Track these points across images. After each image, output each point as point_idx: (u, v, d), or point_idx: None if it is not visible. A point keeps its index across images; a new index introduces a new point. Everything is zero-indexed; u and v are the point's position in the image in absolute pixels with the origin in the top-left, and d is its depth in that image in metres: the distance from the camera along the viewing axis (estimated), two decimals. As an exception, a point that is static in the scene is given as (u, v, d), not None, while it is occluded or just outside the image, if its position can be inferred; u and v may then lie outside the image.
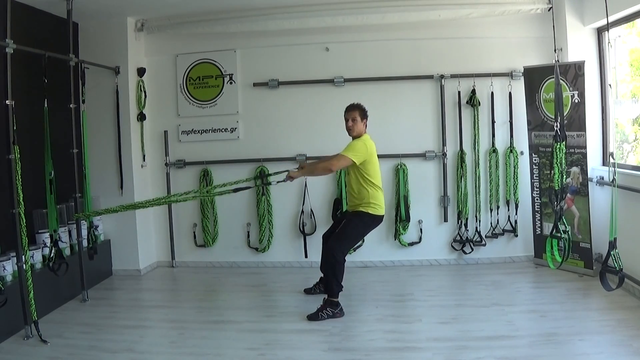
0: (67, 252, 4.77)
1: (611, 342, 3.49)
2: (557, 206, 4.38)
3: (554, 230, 4.40)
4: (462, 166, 5.43)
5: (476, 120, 5.42)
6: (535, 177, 5.30)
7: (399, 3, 5.21)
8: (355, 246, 5.52)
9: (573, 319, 3.90)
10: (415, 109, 5.51)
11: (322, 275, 4.62)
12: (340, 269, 4.20)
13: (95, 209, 5.02)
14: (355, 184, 4.30)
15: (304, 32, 5.44)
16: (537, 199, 5.30)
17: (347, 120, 4.38)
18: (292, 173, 4.33)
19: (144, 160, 5.70)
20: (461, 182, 5.44)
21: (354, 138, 4.36)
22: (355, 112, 4.36)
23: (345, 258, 4.29)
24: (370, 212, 4.28)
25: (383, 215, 4.40)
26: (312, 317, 4.14)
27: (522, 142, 5.41)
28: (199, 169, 5.73)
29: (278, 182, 4.45)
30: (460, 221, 5.47)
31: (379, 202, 4.32)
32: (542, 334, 3.66)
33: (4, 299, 3.72)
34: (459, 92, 5.43)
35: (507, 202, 5.46)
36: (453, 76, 5.41)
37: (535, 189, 5.30)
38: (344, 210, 5.44)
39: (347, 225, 4.33)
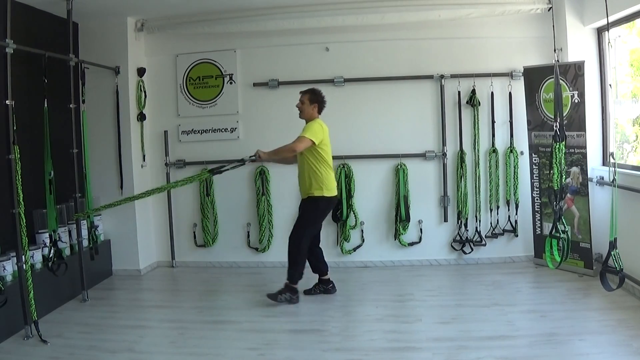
0: (67, 252, 4.78)
1: (611, 342, 3.49)
2: (556, 206, 4.38)
3: (553, 230, 4.39)
4: (462, 166, 5.43)
5: (476, 120, 5.42)
6: (535, 177, 5.30)
7: (399, 3, 5.21)
8: (355, 246, 5.54)
9: (573, 319, 3.90)
10: (415, 109, 5.51)
11: (318, 276, 4.72)
12: (302, 258, 4.41)
13: (94, 207, 4.99)
14: (310, 166, 4.41)
15: (304, 32, 5.44)
16: (537, 199, 5.30)
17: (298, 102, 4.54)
18: (261, 152, 4.43)
19: (144, 160, 5.70)
20: (461, 182, 5.44)
21: (304, 119, 4.51)
22: (305, 96, 4.52)
23: (306, 247, 4.48)
24: (325, 194, 4.42)
25: (337, 196, 4.57)
26: (272, 297, 4.39)
27: (522, 142, 5.41)
28: (199, 169, 5.69)
29: (250, 157, 4.49)
30: (460, 221, 5.47)
31: (332, 184, 4.50)
32: (542, 334, 3.66)
33: (4, 299, 3.72)
34: (459, 92, 5.43)
35: (507, 202, 5.46)
36: (453, 76, 5.41)
37: (535, 189, 5.30)
38: (344, 209, 5.45)
39: (304, 214, 4.49)
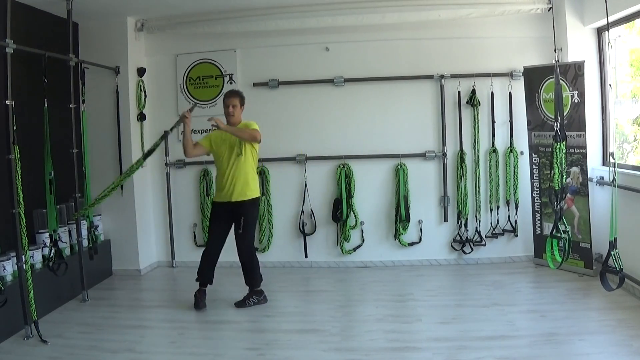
0: (67, 252, 4.77)
1: (611, 342, 3.49)
2: (557, 206, 4.38)
3: (554, 230, 4.39)
4: (462, 166, 5.43)
5: (476, 120, 5.42)
6: (535, 177, 5.30)
7: (399, 3, 5.21)
8: (355, 246, 5.54)
9: (573, 319, 3.90)
10: (415, 109, 5.51)
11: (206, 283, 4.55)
12: (257, 262, 4.53)
13: (87, 205, 4.78)
14: (249, 166, 4.40)
15: (304, 32, 5.44)
16: (537, 199, 5.30)
17: (227, 106, 4.43)
18: (219, 122, 4.22)
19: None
20: (461, 182, 5.44)
21: (233, 124, 4.40)
22: (237, 99, 4.44)
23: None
24: (258, 194, 4.53)
25: None
26: (240, 304, 4.44)
27: (522, 142, 5.41)
28: (199, 169, 5.73)
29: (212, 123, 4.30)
30: (460, 221, 5.47)
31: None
32: (542, 334, 3.66)
33: (4, 299, 3.72)
34: (459, 92, 5.43)
35: (507, 202, 5.46)
36: (453, 76, 5.40)
37: (535, 189, 5.30)
38: (344, 209, 5.44)
39: (248, 219, 4.40)
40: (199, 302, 4.42)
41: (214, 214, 4.52)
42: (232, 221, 4.42)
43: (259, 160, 5.50)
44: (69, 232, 4.89)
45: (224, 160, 4.39)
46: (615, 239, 3.76)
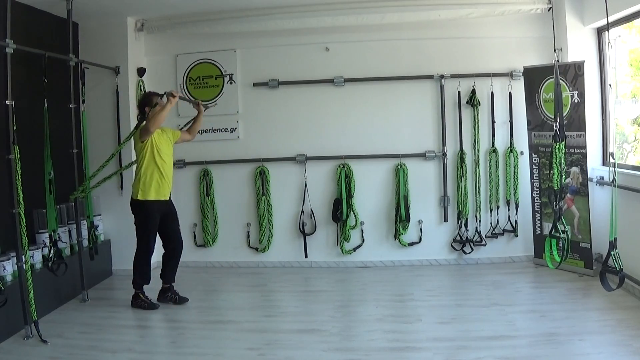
0: (67, 252, 4.78)
1: (611, 342, 3.49)
2: (556, 206, 4.38)
3: (553, 230, 4.40)
4: (462, 166, 5.43)
5: (476, 120, 5.42)
6: (535, 177, 5.30)
7: (399, 3, 5.21)
8: (355, 246, 5.54)
9: (573, 319, 3.90)
10: (415, 109, 5.51)
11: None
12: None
13: (85, 186, 4.74)
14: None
15: (304, 32, 5.44)
16: (537, 199, 5.30)
17: None
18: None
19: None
20: (461, 182, 5.44)
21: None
22: None
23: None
24: None
25: None
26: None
27: (522, 142, 5.41)
28: (199, 169, 5.73)
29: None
30: (460, 221, 5.47)
31: None
32: (542, 334, 3.66)
33: (4, 299, 3.72)
34: (459, 92, 5.43)
35: (507, 202, 5.46)
36: (453, 76, 5.40)
37: (535, 189, 5.30)
38: (344, 209, 5.45)
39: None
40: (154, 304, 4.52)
41: (155, 214, 4.45)
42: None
43: (259, 160, 5.63)
44: (69, 232, 4.89)
45: (168, 158, 4.54)
46: (615, 239, 3.76)
